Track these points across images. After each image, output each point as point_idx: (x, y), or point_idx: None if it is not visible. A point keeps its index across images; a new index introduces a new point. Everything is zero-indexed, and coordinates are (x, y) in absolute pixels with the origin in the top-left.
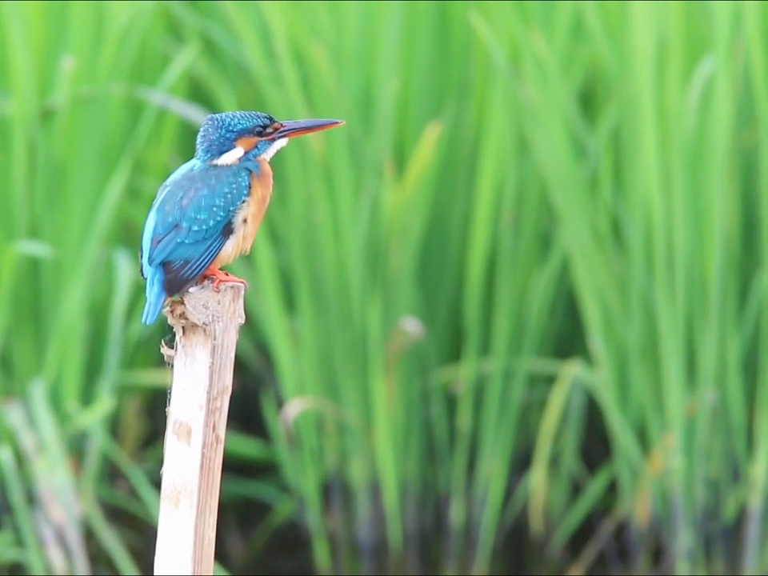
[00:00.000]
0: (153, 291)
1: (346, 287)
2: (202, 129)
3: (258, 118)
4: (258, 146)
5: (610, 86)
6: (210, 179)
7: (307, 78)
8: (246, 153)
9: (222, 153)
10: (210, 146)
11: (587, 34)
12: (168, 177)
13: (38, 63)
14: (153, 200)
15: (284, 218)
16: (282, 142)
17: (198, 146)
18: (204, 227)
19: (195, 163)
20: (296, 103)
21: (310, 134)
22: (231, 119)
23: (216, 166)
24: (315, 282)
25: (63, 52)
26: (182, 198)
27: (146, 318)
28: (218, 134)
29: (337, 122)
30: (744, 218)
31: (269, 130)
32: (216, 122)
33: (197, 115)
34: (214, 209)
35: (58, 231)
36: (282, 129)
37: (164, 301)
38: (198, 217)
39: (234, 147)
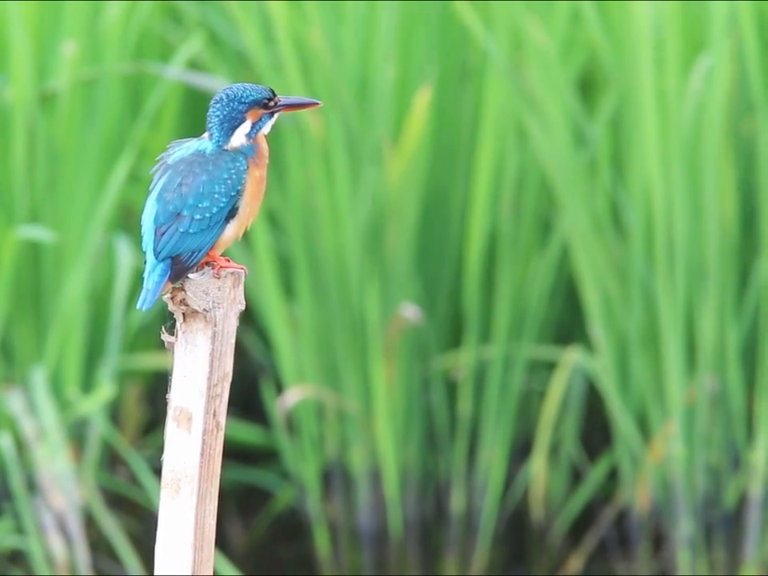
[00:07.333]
0: (152, 279)
1: (345, 273)
2: (213, 104)
3: (264, 90)
4: (262, 118)
5: (608, 73)
6: (208, 165)
7: (306, 64)
8: (252, 126)
9: (234, 128)
10: (222, 121)
11: (585, 20)
12: (165, 154)
13: (36, 47)
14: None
15: (283, 203)
16: (276, 116)
17: (209, 123)
18: (207, 215)
19: (200, 144)
20: (296, 90)
21: (310, 118)
22: (243, 91)
23: (221, 150)
24: (314, 268)
25: (61, 36)
26: (180, 185)
27: (143, 304)
28: (230, 108)
29: (316, 103)
30: (744, 206)
31: (271, 103)
32: (229, 96)
33: (217, 85)
34: (216, 195)
35: (59, 217)
36: (279, 103)
37: (162, 288)
38: (200, 205)
39: (246, 120)
